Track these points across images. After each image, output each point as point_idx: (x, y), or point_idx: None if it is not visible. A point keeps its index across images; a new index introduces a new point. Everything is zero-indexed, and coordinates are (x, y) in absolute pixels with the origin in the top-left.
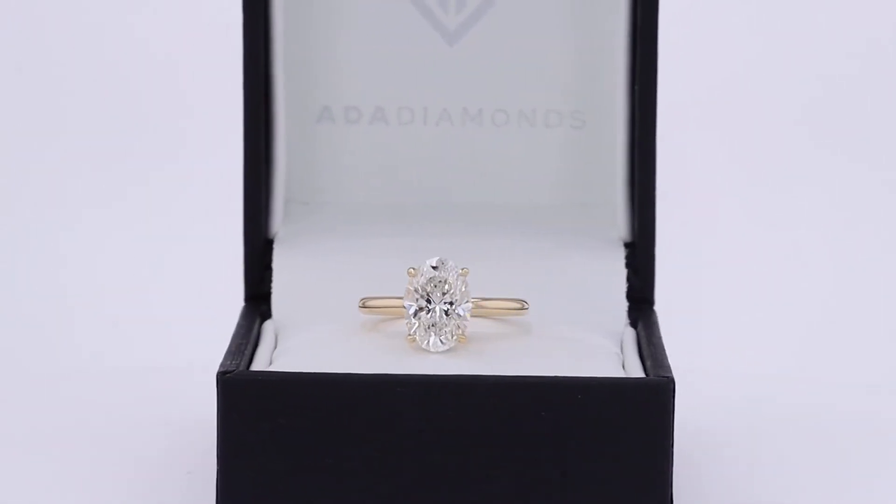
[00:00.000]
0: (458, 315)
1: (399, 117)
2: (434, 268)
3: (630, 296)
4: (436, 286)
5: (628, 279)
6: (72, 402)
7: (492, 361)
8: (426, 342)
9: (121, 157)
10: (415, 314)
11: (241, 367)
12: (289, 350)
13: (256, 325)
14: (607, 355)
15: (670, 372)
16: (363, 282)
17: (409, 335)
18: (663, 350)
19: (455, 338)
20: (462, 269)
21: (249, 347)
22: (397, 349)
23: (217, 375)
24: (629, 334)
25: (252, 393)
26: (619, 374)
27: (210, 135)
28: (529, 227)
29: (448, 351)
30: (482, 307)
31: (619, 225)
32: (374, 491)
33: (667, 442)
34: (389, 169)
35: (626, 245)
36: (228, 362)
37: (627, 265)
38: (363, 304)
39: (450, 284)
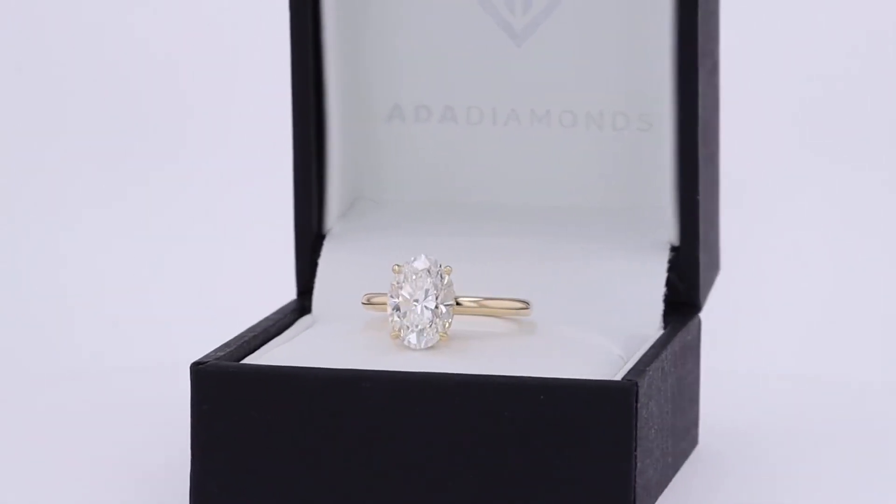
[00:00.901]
0: (441, 313)
1: (468, 117)
2: (417, 265)
3: (675, 300)
4: (418, 283)
5: (673, 283)
6: (111, 400)
7: (471, 360)
8: (408, 339)
9: (171, 154)
10: (397, 311)
11: (228, 359)
12: (287, 344)
13: (286, 319)
14: (604, 358)
15: (642, 376)
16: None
17: (393, 332)
18: (658, 354)
19: (437, 335)
20: (445, 267)
21: (257, 340)
22: (384, 346)
23: (190, 366)
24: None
25: (222, 384)
26: (603, 377)
27: (257, 131)
28: (585, 230)
29: (430, 348)
30: (486, 306)
31: (668, 228)
32: (336, 484)
33: (629, 444)
34: (457, 168)
35: (673, 249)
36: (215, 353)
37: (672, 269)
38: (367, 300)
39: (432, 282)
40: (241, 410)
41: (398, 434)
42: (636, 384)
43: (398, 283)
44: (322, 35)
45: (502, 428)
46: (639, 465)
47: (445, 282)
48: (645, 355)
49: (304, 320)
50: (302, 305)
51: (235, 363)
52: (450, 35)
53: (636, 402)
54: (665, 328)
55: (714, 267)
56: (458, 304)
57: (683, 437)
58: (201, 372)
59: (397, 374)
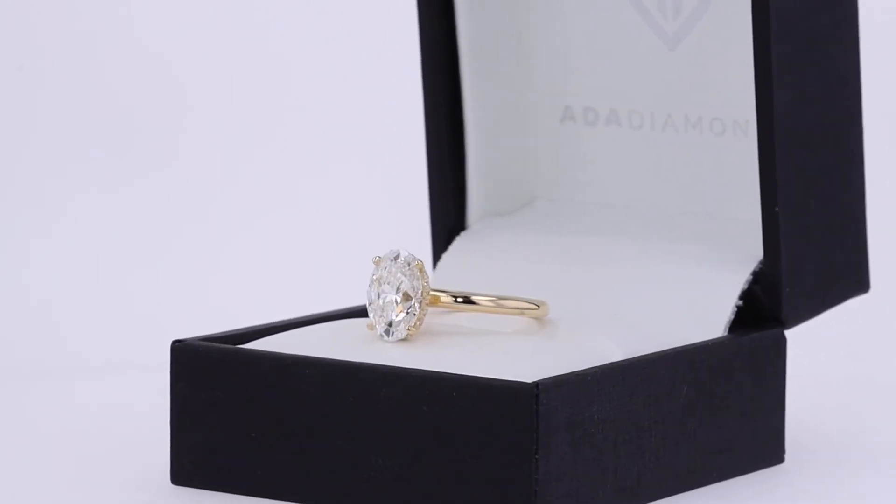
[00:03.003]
0: (409, 307)
1: (630, 121)
2: (392, 259)
3: (760, 314)
4: (392, 278)
5: (755, 296)
6: None
7: (427, 354)
8: (380, 331)
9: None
10: (370, 304)
11: (230, 341)
12: (296, 330)
13: None
14: (587, 359)
15: (562, 378)
16: (517, 279)
17: (369, 323)
18: (636, 360)
19: (405, 330)
20: (417, 262)
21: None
22: (368, 337)
23: (171, 344)
24: None
25: (194, 362)
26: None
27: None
28: (697, 237)
29: (402, 341)
30: (502, 306)
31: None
32: (280, 461)
33: (529, 446)
34: (620, 171)
35: (761, 262)
36: (227, 333)
37: (756, 282)
38: None
39: (405, 277)
40: (209, 388)
41: (332, 418)
42: (536, 386)
43: (377, 276)
44: (456, 31)
45: (421, 420)
46: (544, 467)
47: (416, 276)
48: (619, 361)
49: None
50: None
51: (206, 343)
52: (607, 39)
53: (536, 403)
54: None
55: (832, 284)
56: (473, 302)
57: (724, 452)
58: (176, 350)
59: (332, 362)
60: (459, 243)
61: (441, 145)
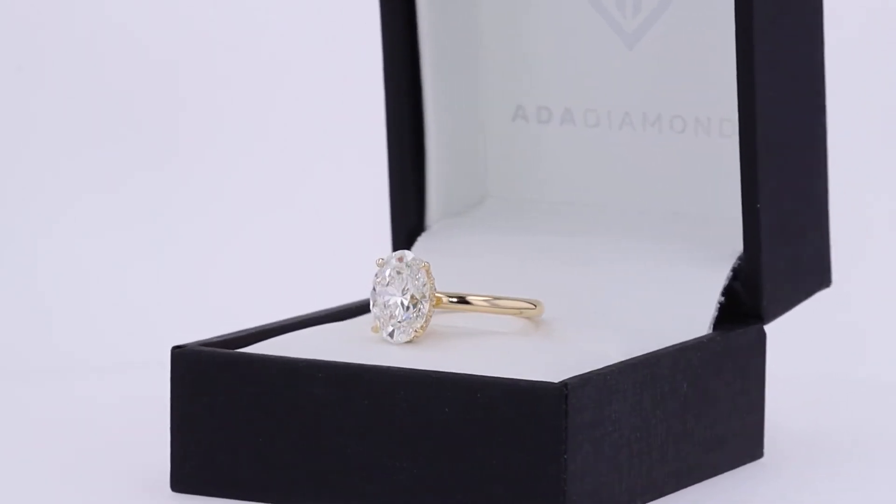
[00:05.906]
0: (416, 309)
1: (585, 119)
2: (397, 261)
3: (739, 310)
4: (397, 279)
5: (737, 293)
6: None
7: (435, 355)
8: (385, 333)
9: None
10: (374, 305)
11: (226, 346)
12: (292, 333)
13: (347, 311)
14: (587, 360)
15: (585, 379)
16: (478, 276)
17: (373, 325)
18: (647, 359)
19: (411, 332)
20: (423, 264)
21: (286, 329)
22: (372, 339)
23: (171, 350)
24: None
25: (194, 367)
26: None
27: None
28: (672, 234)
29: (408, 343)
30: (497, 306)
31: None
32: (286, 463)
33: (558, 446)
34: (573, 169)
35: (739, 258)
36: (220, 338)
37: (736, 278)
38: None
39: (409, 279)
40: (210, 393)
41: (345, 421)
42: (566, 386)
43: (381, 278)
44: (417, 29)
45: (442, 422)
46: (571, 466)
47: (422, 278)
48: (630, 359)
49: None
50: None
51: (207, 349)
52: (564, 37)
53: (566, 403)
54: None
55: (801, 279)
56: (468, 302)
57: (715, 448)
58: (177, 355)
59: (346, 365)
60: (421, 244)
61: (402, 145)
